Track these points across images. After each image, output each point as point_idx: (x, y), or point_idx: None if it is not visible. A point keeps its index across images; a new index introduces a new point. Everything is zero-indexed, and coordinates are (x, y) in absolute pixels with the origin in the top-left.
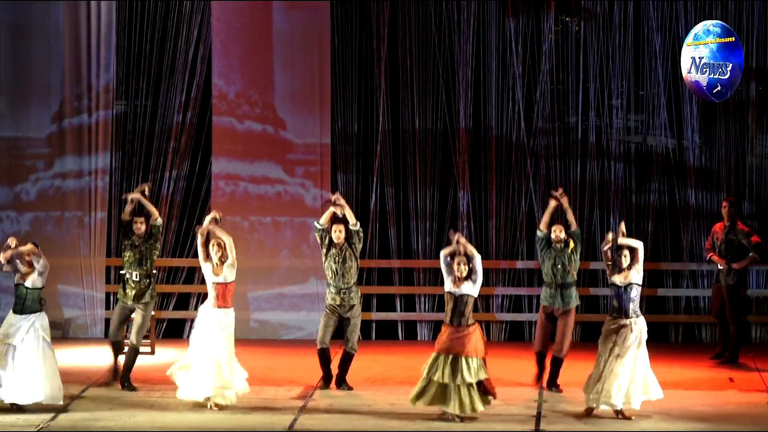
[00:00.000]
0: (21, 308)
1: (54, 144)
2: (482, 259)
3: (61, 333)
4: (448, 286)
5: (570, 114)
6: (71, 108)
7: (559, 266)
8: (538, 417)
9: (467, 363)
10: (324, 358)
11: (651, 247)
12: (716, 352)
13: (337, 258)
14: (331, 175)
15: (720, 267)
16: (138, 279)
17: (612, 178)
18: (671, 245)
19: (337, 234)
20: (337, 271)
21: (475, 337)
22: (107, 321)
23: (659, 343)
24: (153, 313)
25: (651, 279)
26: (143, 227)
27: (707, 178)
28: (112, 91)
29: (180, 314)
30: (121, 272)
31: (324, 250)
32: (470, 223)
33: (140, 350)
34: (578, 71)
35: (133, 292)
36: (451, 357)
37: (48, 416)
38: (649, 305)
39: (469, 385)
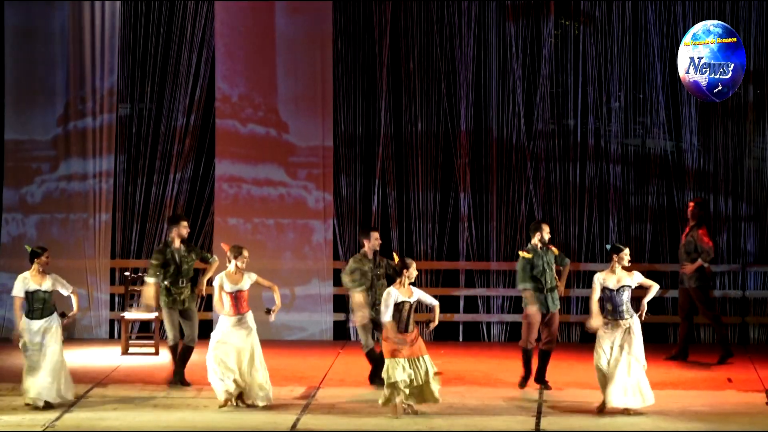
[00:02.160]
0: (41, 313)
1: (59, 147)
2: (483, 261)
3: (67, 334)
4: (400, 297)
5: (569, 117)
6: (76, 111)
7: (547, 270)
8: (538, 416)
9: (427, 361)
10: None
11: (650, 249)
12: (674, 353)
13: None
14: (334, 177)
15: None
16: (184, 285)
17: (611, 180)
18: (669, 247)
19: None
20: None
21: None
22: (112, 322)
23: (658, 343)
24: (156, 314)
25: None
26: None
27: (705, 180)
28: (116, 94)
29: None
30: (159, 280)
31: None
32: (471, 225)
33: (144, 351)
34: (577, 74)
35: (182, 297)
36: (412, 360)
37: (53, 416)
38: (648, 306)
39: (433, 376)
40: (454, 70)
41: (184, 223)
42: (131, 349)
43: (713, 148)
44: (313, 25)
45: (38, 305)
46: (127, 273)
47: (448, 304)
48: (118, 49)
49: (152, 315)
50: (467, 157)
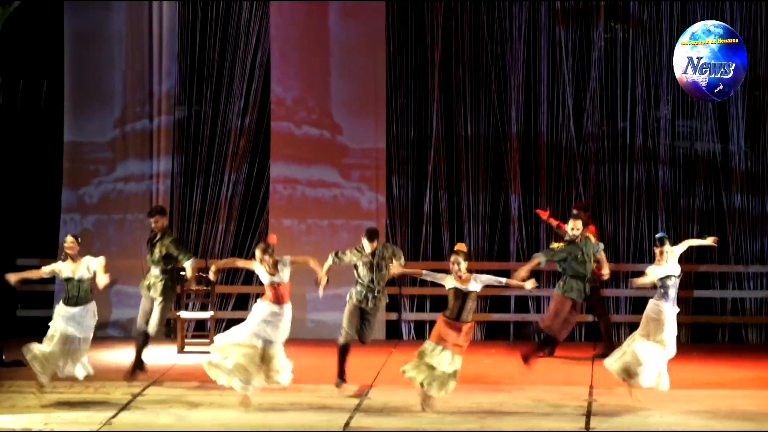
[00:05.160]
0: (75, 301)
1: (116, 148)
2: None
3: (124, 332)
4: (452, 283)
5: (618, 119)
6: (133, 113)
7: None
8: (588, 415)
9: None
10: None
11: (698, 250)
12: (598, 351)
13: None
14: (387, 179)
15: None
16: (153, 272)
17: (659, 181)
18: (718, 248)
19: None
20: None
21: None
22: (168, 321)
23: (707, 343)
24: (212, 313)
25: (698, 281)
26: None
27: (752, 182)
28: (174, 97)
29: (239, 314)
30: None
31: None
32: (521, 226)
33: (199, 350)
34: (626, 77)
35: (147, 283)
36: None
37: (110, 413)
38: (695, 306)
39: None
40: (505, 73)
41: (151, 218)
42: (187, 348)
43: (761, 151)
44: (366, 29)
45: (73, 293)
46: (183, 273)
47: (498, 304)
48: (176, 54)
49: (208, 314)
50: (517, 159)
